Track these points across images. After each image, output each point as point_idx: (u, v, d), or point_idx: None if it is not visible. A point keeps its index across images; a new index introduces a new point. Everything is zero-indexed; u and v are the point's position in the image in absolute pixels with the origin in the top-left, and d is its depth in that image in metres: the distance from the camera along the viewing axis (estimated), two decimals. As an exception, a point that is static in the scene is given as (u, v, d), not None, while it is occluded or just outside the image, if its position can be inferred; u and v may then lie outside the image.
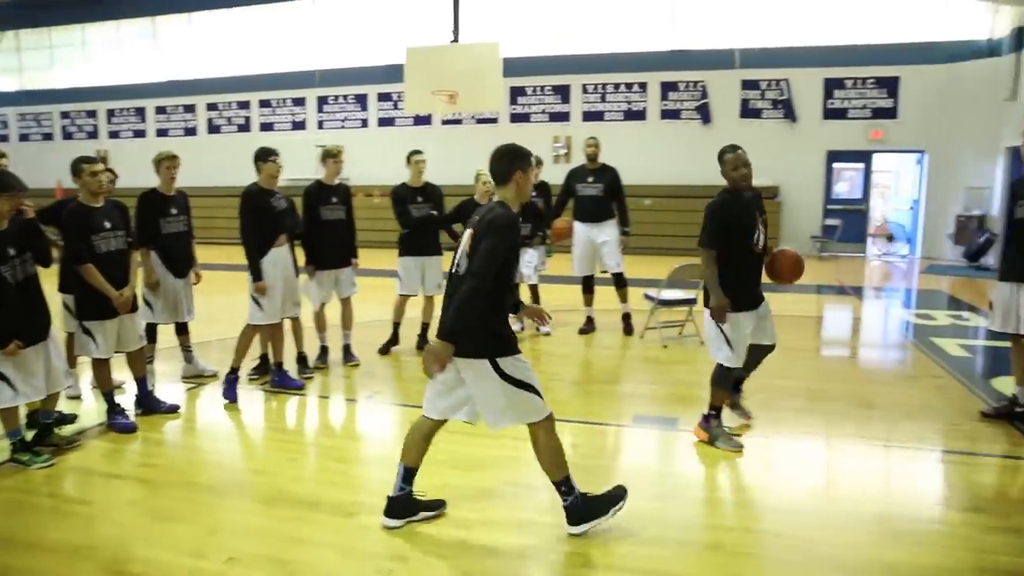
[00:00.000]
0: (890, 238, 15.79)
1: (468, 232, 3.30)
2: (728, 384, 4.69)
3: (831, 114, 15.34)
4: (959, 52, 14.56)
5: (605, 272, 7.86)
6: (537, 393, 3.36)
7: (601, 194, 7.60)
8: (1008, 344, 5.20)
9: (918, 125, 14.84)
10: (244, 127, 19.27)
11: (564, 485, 3.41)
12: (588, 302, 7.92)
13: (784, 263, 4.70)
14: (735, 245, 4.48)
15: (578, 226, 7.75)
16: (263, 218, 5.58)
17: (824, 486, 3.99)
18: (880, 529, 3.56)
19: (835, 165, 15.72)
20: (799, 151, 15.38)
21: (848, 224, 15.10)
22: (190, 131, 19.83)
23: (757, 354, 4.78)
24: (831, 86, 15.28)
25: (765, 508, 3.82)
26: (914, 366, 6.80)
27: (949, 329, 8.30)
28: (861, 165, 15.72)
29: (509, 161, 3.34)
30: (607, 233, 7.67)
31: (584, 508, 3.41)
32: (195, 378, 6.13)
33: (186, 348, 6.16)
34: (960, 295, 10.85)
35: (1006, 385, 5.89)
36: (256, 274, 5.55)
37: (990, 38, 14.32)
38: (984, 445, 4.68)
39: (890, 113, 15.06)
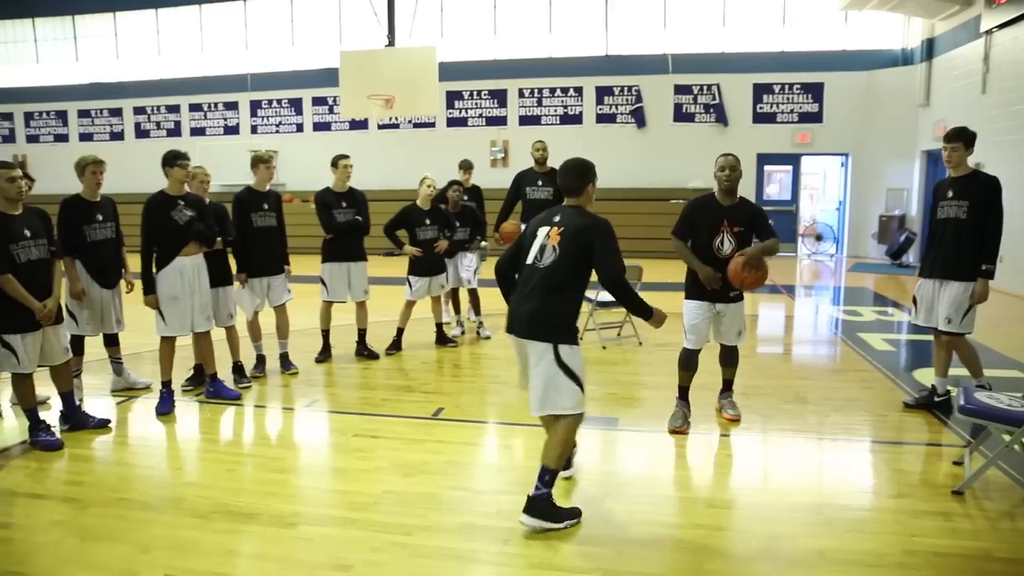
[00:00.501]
0: (819, 238, 16.37)
1: (552, 230, 3.56)
2: (683, 365, 5.06)
3: (760, 118, 15.84)
4: (877, 60, 15.25)
5: None
6: (582, 388, 3.54)
7: (550, 198, 7.60)
8: (928, 338, 5.45)
9: (842, 129, 15.46)
10: (174, 131, 18.74)
11: (549, 476, 3.52)
12: None
13: (730, 268, 4.76)
14: (699, 244, 4.86)
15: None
16: (164, 227, 5.30)
17: (761, 479, 4.10)
18: (814, 518, 3.68)
19: (766, 168, 16.24)
20: (731, 154, 15.79)
21: (779, 225, 15.39)
22: (116, 135, 19.17)
23: (722, 353, 5.16)
24: (760, 91, 15.78)
25: (704, 503, 3.90)
26: (842, 361, 7.06)
27: (874, 324, 8.65)
28: (790, 167, 16.30)
29: (579, 175, 3.65)
30: None
31: (546, 507, 3.51)
32: (126, 391, 5.92)
33: (116, 360, 5.94)
34: (884, 292, 11.33)
35: (926, 376, 6.18)
36: (148, 287, 5.30)
37: (904, 48, 15.02)
38: (908, 434, 4.89)
39: (816, 117, 15.64)
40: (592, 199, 3.69)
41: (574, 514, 3.60)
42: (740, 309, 5.01)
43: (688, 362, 5.06)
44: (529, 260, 3.61)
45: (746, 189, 16.00)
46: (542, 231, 3.61)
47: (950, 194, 5.14)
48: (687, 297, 4.99)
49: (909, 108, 14.54)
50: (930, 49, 14.09)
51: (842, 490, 4.13)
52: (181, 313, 5.38)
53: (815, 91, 15.60)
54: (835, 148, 15.79)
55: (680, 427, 4.92)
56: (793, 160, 16.17)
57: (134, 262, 5.70)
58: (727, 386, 5.26)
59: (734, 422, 5.08)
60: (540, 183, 7.62)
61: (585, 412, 3.63)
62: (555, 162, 7.61)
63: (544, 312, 3.49)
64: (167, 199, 5.37)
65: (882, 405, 5.49)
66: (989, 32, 11.51)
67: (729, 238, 4.77)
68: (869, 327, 8.41)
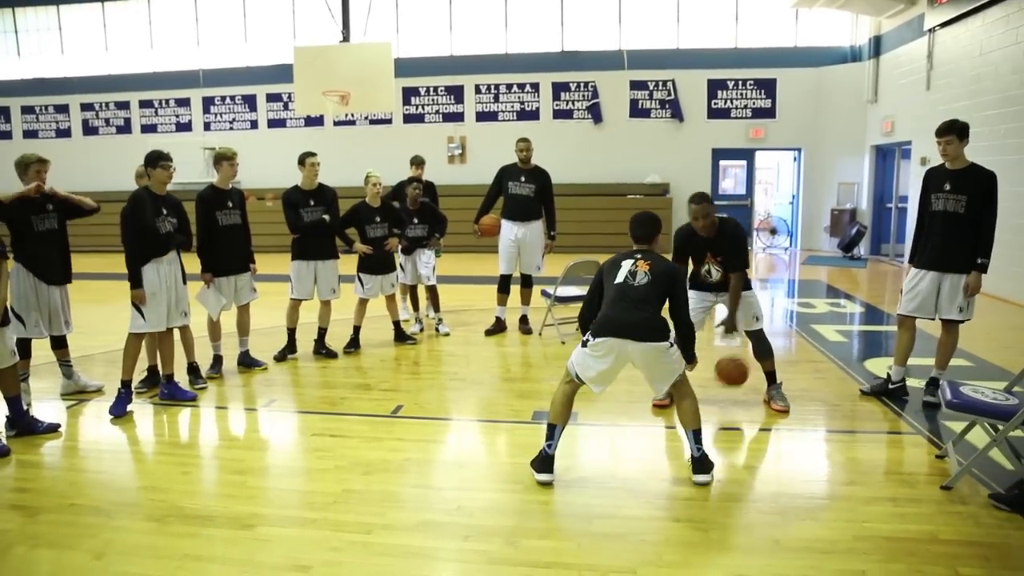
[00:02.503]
0: (773, 231, 16.68)
1: (641, 263, 4.12)
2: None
3: (715, 114, 16.07)
4: (826, 57, 15.60)
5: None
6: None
7: (532, 194, 7.63)
8: (880, 328, 5.58)
9: (794, 124, 15.78)
10: (124, 129, 18.26)
11: (700, 434, 4.05)
12: (502, 301, 7.90)
13: (720, 375, 5.26)
14: (691, 269, 5.32)
15: (505, 224, 7.76)
16: (150, 229, 5.31)
17: (718, 470, 4.15)
18: (769, 508, 3.76)
19: (721, 162, 16.50)
20: (686, 149, 16.04)
21: (735, 218, 15.81)
22: (63, 133, 18.61)
23: (753, 347, 5.40)
24: (714, 87, 16.00)
25: (664, 495, 3.95)
26: (797, 352, 7.21)
27: (827, 316, 8.85)
28: (744, 162, 16.57)
29: (653, 227, 4.33)
30: (533, 234, 7.72)
31: (709, 462, 4.06)
32: (76, 394, 5.76)
33: (65, 363, 5.78)
34: (836, 284, 11.60)
35: (877, 366, 6.37)
36: (135, 281, 5.29)
37: (852, 45, 15.39)
38: (860, 423, 5.03)
39: (769, 113, 15.93)
40: (659, 247, 4.30)
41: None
42: (751, 299, 5.25)
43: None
44: (619, 280, 4.10)
45: (702, 184, 16.33)
46: (627, 262, 4.16)
47: (947, 187, 5.15)
48: (690, 288, 5.18)
49: (858, 104, 14.91)
50: (877, 46, 14.46)
51: (797, 479, 4.23)
52: (159, 309, 5.38)
53: (768, 87, 15.88)
54: (788, 143, 16.10)
55: (662, 400, 5.08)
56: (747, 155, 16.44)
57: (80, 263, 5.55)
58: (771, 378, 5.35)
59: (782, 413, 5.16)
60: (523, 179, 7.62)
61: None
62: (510, 158, 7.74)
63: (655, 319, 4.02)
64: (153, 202, 5.37)
65: (835, 395, 5.62)
66: (932, 30, 11.85)
67: (715, 267, 5.20)
68: (822, 319, 8.60)
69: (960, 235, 5.12)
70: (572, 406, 4.16)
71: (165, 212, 5.43)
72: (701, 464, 4.02)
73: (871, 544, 3.34)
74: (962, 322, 5.26)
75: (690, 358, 4.26)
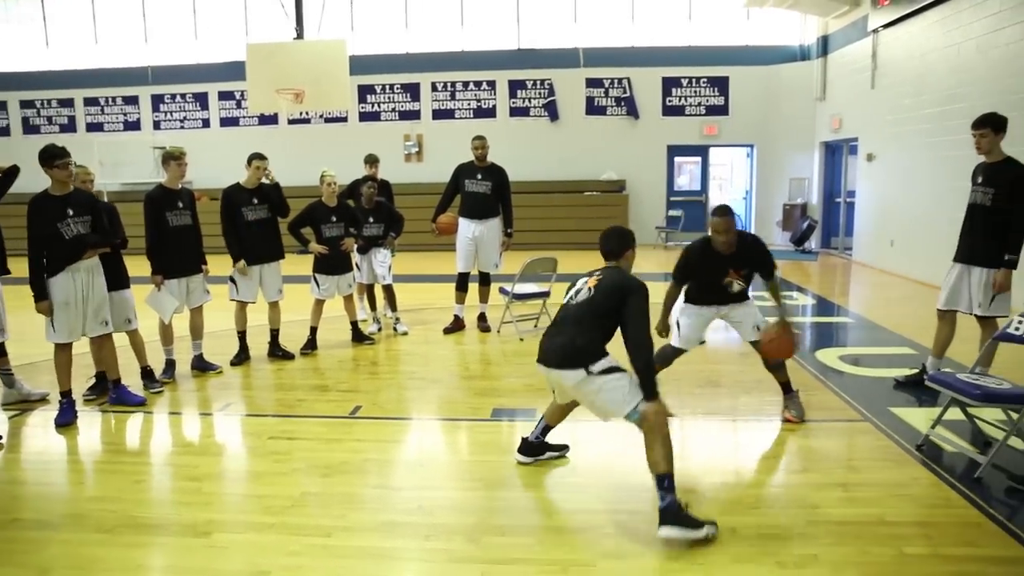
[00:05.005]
0: (727, 227, 16.91)
1: (591, 280, 3.74)
2: (658, 358, 4.67)
3: (670, 111, 16.28)
4: (777, 56, 15.92)
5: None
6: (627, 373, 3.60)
7: (489, 192, 7.60)
8: (830, 320, 5.68)
9: (746, 121, 16.08)
10: (68, 127, 17.71)
11: (666, 481, 3.39)
12: (460, 300, 7.87)
13: (768, 352, 4.91)
14: (704, 283, 4.88)
15: (463, 222, 7.73)
16: (52, 235, 4.92)
17: (676, 461, 4.20)
18: (726, 497, 3.84)
19: (676, 159, 16.72)
20: (642, 146, 16.22)
21: (689, 214, 16.09)
22: (1, 131, 17.97)
23: (764, 361, 5.05)
24: (669, 85, 16.21)
25: (624, 487, 3.98)
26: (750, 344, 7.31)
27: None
28: (699, 159, 16.83)
29: (620, 241, 3.87)
30: (490, 231, 7.70)
31: (678, 515, 3.34)
32: (19, 404, 5.56)
33: (5, 372, 5.58)
34: (788, 277, 11.82)
35: (827, 356, 6.54)
36: (38, 293, 4.95)
37: (801, 44, 15.73)
38: (812, 412, 5.13)
39: (722, 110, 16.20)
40: (631, 264, 3.89)
41: (711, 523, 3.34)
42: (750, 308, 4.95)
43: (666, 357, 4.94)
44: (564, 300, 3.82)
45: (658, 180, 16.52)
46: (581, 280, 3.82)
47: (979, 180, 5.15)
48: (686, 300, 4.95)
49: (807, 101, 15.24)
50: (825, 46, 14.80)
51: (752, 468, 4.33)
52: (71, 319, 5.07)
53: (721, 85, 16.14)
54: (741, 140, 16.39)
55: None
56: (702, 151, 16.70)
57: (18, 267, 5.36)
58: (786, 388, 5.00)
59: (793, 423, 4.85)
60: (479, 177, 7.59)
61: (659, 399, 3.47)
62: (467, 156, 7.72)
63: (574, 342, 3.60)
64: (53, 204, 4.94)
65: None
66: (876, 31, 12.17)
67: (738, 281, 4.81)
68: (775, 311, 8.73)
69: (984, 228, 5.08)
70: (563, 413, 4.25)
71: (72, 213, 4.96)
72: (664, 516, 3.32)
73: (822, 529, 3.43)
74: (994, 318, 5.08)
75: (648, 392, 3.44)
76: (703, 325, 5.00)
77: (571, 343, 3.59)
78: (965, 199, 5.35)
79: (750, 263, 4.80)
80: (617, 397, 3.50)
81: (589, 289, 3.71)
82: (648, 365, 3.49)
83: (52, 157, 4.89)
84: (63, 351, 5.15)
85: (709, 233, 4.74)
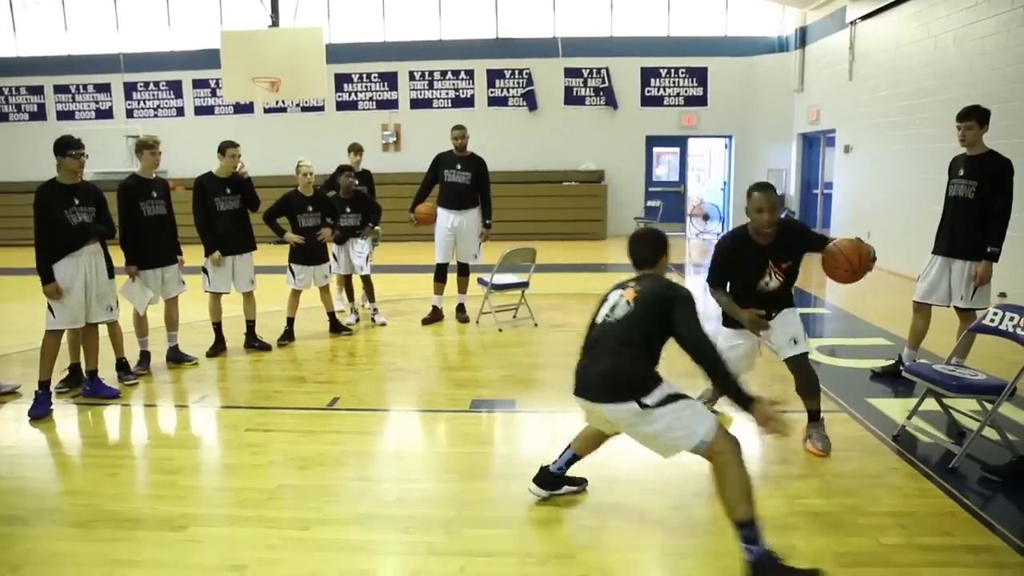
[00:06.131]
0: (706, 217, 17.03)
1: (628, 292, 3.27)
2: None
3: (648, 101, 16.29)
4: (755, 47, 15.98)
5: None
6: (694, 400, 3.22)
7: (468, 182, 7.54)
8: (805, 310, 5.69)
9: (725, 112, 16.13)
10: (38, 115, 17.35)
11: (747, 530, 2.95)
12: (438, 290, 7.83)
13: (838, 270, 4.22)
14: (741, 284, 4.29)
15: (441, 212, 7.67)
16: (59, 223, 5.04)
17: (654, 455, 4.22)
18: (706, 488, 3.83)
19: (654, 149, 16.75)
20: (621, 136, 16.23)
21: (668, 205, 16.15)
22: (-31, 119, 17.56)
23: (796, 381, 4.40)
24: (648, 75, 16.21)
25: (602, 480, 3.98)
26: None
27: (757, 299, 9.06)
28: (677, 149, 16.87)
29: (654, 247, 3.47)
30: (469, 221, 7.65)
31: (775, 570, 2.88)
32: (-11, 396, 5.48)
33: (-24, 363, 5.50)
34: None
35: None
36: (45, 276, 5.03)
37: (780, 35, 15.80)
38: (791, 404, 5.15)
39: (701, 101, 16.24)
40: (665, 270, 3.52)
41: (814, 572, 2.88)
42: (789, 315, 4.31)
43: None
44: (599, 319, 3.32)
45: (636, 171, 16.55)
46: (614, 293, 3.35)
47: (961, 172, 5.15)
48: (724, 324, 4.46)
49: (785, 93, 15.32)
50: (803, 37, 14.88)
51: (729, 458, 4.33)
52: (73, 306, 5.12)
53: (699, 75, 16.17)
54: (719, 130, 16.45)
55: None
56: (680, 142, 16.74)
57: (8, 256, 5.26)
58: (813, 416, 4.35)
59: (817, 455, 4.23)
60: (459, 167, 7.53)
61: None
62: (445, 146, 7.67)
63: (620, 369, 3.13)
64: (60, 192, 5.06)
65: (766, 377, 5.76)
66: (853, 23, 12.25)
67: (776, 276, 4.19)
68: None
69: (967, 220, 5.07)
70: (597, 443, 3.67)
71: (77, 202, 5.14)
72: (755, 572, 2.85)
73: (801, 519, 3.46)
74: (973, 310, 5.06)
75: (739, 399, 2.91)
76: (746, 349, 4.44)
77: (616, 369, 3.13)
78: (942, 191, 5.39)
79: (792, 252, 4.19)
80: (681, 432, 3.02)
81: (628, 303, 3.22)
82: (718, 363, 2.98)
83: (68, 146, 5.09)
84: (54, 339, 5.16)
85: (747, 213, 4.15)
